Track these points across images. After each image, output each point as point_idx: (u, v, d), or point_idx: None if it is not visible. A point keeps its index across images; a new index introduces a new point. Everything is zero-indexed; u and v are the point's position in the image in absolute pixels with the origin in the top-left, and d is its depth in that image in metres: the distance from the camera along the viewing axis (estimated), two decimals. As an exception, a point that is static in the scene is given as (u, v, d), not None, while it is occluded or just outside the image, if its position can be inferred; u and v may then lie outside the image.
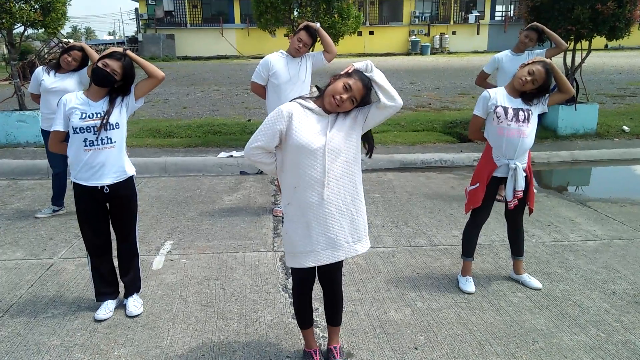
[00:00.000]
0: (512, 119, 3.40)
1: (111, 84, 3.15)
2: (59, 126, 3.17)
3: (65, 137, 3.21)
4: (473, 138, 3.81)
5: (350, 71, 2.49)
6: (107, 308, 3.36)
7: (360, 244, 2.61)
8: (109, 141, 3.16)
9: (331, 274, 2.73)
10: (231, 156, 7.28)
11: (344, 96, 2.45)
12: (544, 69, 3.36)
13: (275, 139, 2.49)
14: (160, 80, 3.41)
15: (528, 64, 3.41)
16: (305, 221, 2.53)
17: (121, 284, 3.49)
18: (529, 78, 3.36)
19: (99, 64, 3.10)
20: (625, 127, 9.00)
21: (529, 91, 3.42)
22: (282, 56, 4.97)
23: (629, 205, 5.54)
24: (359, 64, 2.50)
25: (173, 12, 37.21)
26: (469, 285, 3.68)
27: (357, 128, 2.57)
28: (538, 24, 5.63)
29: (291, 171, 2.53)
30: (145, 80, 3.36)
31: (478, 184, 3.54)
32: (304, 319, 2.83)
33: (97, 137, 3.11)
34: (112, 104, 3.18)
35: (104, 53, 3.21)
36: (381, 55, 36.59)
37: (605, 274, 3.90)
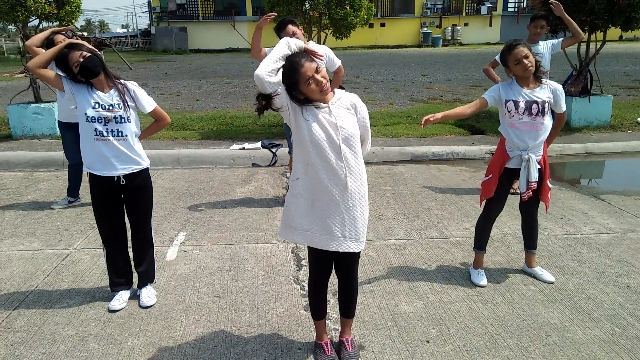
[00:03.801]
0: (523, 112, 3.37)
1: (101, 68, 3.13)
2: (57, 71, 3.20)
3: (54, 77, 3.16)
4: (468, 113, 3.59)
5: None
6: (121, 299, 3.40)
7: (356, 242, 2.60)
8: (120, 134, 3.17)
9: (348, 265, 2.75)
10: (243, 148, 7.30)
11: (319, 78, 2.43)
12: (525, 47, 3.34)
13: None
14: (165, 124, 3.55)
15: (529, 48, 3.38)
16: (311, 200, 2.56)
17: (135, 275, 3.53)
18: (527, 63, 3.33)
19: (80, 59, 3.05)
20: (639, 119, 8.87)
21: (533, 71, 3.39)
22: None
23: (644, 199, 5.48)
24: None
25: (185, 5, 37.29)
26: (481, 278, 3.67)
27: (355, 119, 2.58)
28: (559, 9, 5.42)
29: (305, 150, 2.53)
30: (155, 123, 3.52)
31: (491, 176, 3.52)
32: (318, 309, 2.85)
33: (107, 129, 3.13)
34: (121, 97, 3.18)
35: (61, 48, 3.11)
36: (392, 47, 36.38)
37: (619, 268, 3.86)
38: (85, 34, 32.50)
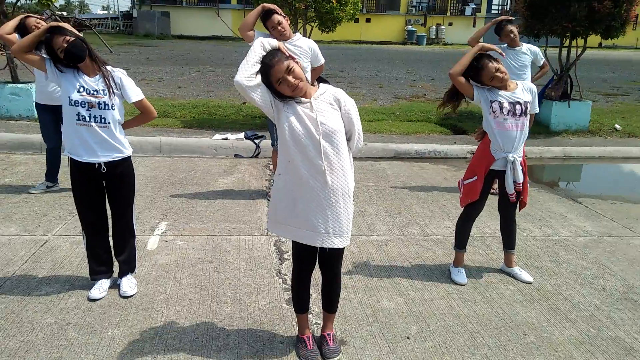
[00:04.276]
0: (508, 113, 3.43)
1: (85, 53, 3.06)
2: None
3: (39, 60, 3.10)
4: (453, 76, 3.52)
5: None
6: (101, 287, 3.35)
7: (340, 238, 2.60)
8: (103, 121, 3.12)
9: (333, 260, 2.75)
10: (226, 139, 7.24)
11: (290, 79, 2.43)
12: (490, 60, 3.41)
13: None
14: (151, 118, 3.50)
15: (496, 60, 3.43)
16: (293, 197, 2.56)
17: (115, 264, 3.49)
18: (500, 75, 3.39)
19: (65, 45, 2.98)
20: (617, 126, 9.09)
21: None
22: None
23: (619, 203, 5.62)
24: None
25: (169, -11, 36.65)
26: (461, 276, 3.72)
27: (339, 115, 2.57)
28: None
29: (285, 147, 2.53)
30: (140, 116, 3.46)
31: (476, 177, 3.56)
32: (301, 303, 2.85)
33: (90, 114, 3.08)
34: (107, 84, 3.13)
35: (43, 31, 3.04)
36: (377, 43, 36.42)
37: (595, 270, 3.96)
38: (64, 13, 31.72)
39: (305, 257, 2.75)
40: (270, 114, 2.57)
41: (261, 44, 2.46)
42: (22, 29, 4.52)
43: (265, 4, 4.82)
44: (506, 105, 3.43)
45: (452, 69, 3.46)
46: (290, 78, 2.43)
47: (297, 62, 2.50)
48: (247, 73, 2.42)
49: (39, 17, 4.69)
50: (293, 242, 2.72)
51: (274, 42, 2.50)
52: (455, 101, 3.61)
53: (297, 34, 5.06)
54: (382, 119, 9.13)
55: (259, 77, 2.46)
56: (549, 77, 8.78)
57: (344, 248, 2.71)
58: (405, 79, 15.10)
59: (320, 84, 2.62)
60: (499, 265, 3.96)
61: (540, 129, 8.43)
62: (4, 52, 8.84)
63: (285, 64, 2.43)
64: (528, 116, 3.51)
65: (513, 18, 5.62)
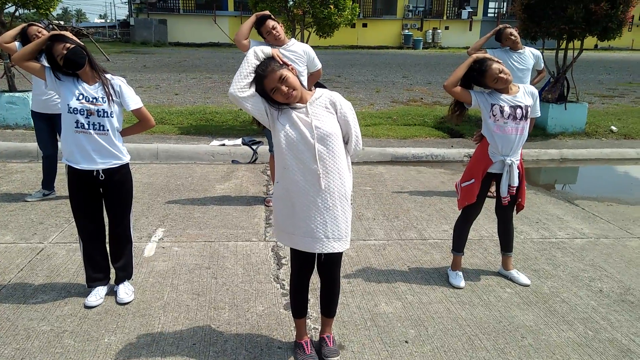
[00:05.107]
0: (508, 117, 3.42)
1: (85, 60, 3.07)
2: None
3: (39, 68, 3.12)
4: (448, 88, 3.50)
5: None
6: (98, 294, 3.34)
7: (339, 242, 2.60)
8: (101, 128, 3.13)
9: (331, 265, 2.75)
10: (223, 145, 7.25)
11: (284, 88, 2.44)
12: (493, 62, 3.40)
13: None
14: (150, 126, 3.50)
15: (498, 62, 3.43)
16: (291, 204, 2.57)
17: (112, 270, 3.48)
18: (504, 76, 3.39)
19: (64, 52, 3.00)
20: (613, 127, 9.11)
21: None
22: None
23: (616, 205, 5.63)
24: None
25: (165, -3, 36.80)
26: (458, 279, 3.72)
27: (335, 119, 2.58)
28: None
29: (281, 153, 2.54)
30: (138, 124, 3.45)
31: (473, 180, 3.56)
32: (299, 308, 2.85)
33: (88, 122, 3.09)
34: (106, 92, 3.14)
35: (44, 40, 3.06)
36: (374, 47, 36.54)
37: (592, 272, 3.96)
38: (62, 22, 31.80)
39: (304, 262, 2.74)
40: (265, 123, 2.57)
41: (254, 54, 2.47)
42: (24, 37, 4.56)
43: (258, 13, 4.84)
44: (507, 109, 3.43)
45: (447, 81, 3.47)
46: (283, 87, 2.43)
47: (292, 69, 2.50)
48: (240, 85, 2.44)
49: (40, 25, 4.70)
50: (291, 247, 2.71)
51: (267, 50, 2.51)
52: (461, 110, 3.62)
53: (293, 39, 5.08)
54: (380, 123, 9.14)
55: (253, 87, 2.47)
56: (546, 80, 8.81)
57: (342, 252, 2.70)
58: (402, 83, 15.14)
59: (317, 89, 2.62)
60: (497, 268, 3.96)
61: (536, 131, 8.45)
62: (1, 61, 8.85)
63: (279, 73, 2.43)
64: (528, 120, 3.51)
65: (510, 26, 5.66)
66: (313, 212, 2.54)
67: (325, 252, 2.59)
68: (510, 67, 5.23)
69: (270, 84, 2.44)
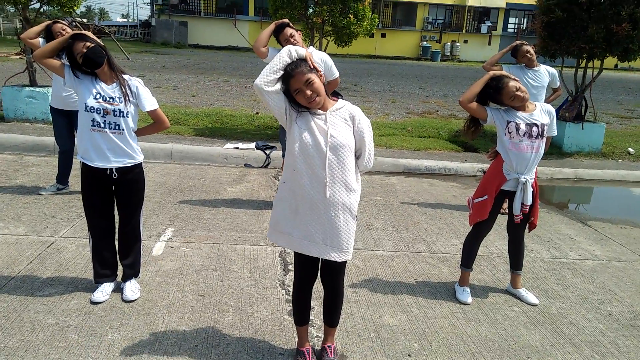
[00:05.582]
0: (524, 135, 3.40)
1: (103, 59, 3.12)
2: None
3: (59, 66, 3.16)
4: (463, 104, 3.49)
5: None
6: (104, 291, 3.37)
7: (338, 252, 2.59)
8: (117, 127, 3.17)
9: (334, 273, 2.74)
10: (237, 148, 7.28)
11: (308, 92, 2.45)
12: (510, 80, 3.39)
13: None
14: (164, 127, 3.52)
15: (515, 80, 3.41)
16: (295, 206, 2.57)
17: (120, 267, 3.50)
18: (520, 94, 3.37)
19: (84, 50, 3.04)
20: (630, 149, 9.00)
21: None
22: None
23: (630, 228, 5.54)
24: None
25: (187, 0, 37.21)
26: (466, 295, 3.69)
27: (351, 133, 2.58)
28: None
29: (292, 155, 2.54)
30: (153, 125, 3.47)
31: (486, 197, 3.53)
32: (301, 315, 2.84)
33: (104, 121, 3.12)
34: (123, 92, 3.18)
35: (66, 38, 3.10)
36: (392, 58, 36.55)
37: (601, 295, 3.90)
38: (85, 20, 32.28)
39: (305, 267, 2.74)
40: (283, 122, 2.59)
41: (289, 52, 2.48)
42: (48, 34, 4.64)
43: (277, 21, 4.88)
44: (522, 126, 3.40)
45: (462, 96, 3.46)
46: (307, 91, 2.45)
47: (320, 76, 2.52)
48: (268, 78, 2.45)
49: (64, 23, 4.78)
50: (295, 252, 2.71)
51: (302, 52, 2.52)
52: (476, 126, 3.60)
53: (311, 47, 5.10)
54: (394, 133, 9.13)
55: (279, 84, 2.49)
56: (564, 98, 8.74)
57: (344, 262, 2.69)
58: (418, 95, 15.11)
59: (339, 100, 2.63)
60: (505, 285, 3.92)
61: (552, 149, 8.37)
62: (24, 56, 8.99)
63: (307, 76, 2.44)
64: (544, 138, 3.48)
65: (527, 43, 5.62)
66: (314, 217, 2.54)
67: (323, 257, 2.59)
68: (525, 84, 5.19)
69: (295, 84, 2.46)
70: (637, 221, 5.82)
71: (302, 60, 2.50)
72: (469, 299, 3.66)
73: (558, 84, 5.75)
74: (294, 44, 4.75)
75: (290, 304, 3.41)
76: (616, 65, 33.48)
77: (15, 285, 3.43)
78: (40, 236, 4.24)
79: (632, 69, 35.52)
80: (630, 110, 14.57)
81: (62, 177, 5.33)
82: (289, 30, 4.78)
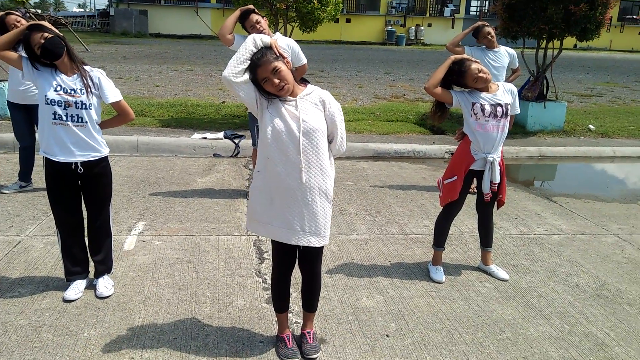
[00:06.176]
0: (489, 115, 3.47)
1: (63, 50, 3.02)
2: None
3: (17, 58, 3.05)
4: (429, 90, 3.52)
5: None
6: (77, 288, 3.30)
7: (317, 237, 2.61)
8: (80, 120, 3.08)
9: (312, 259, 2.76)
10: (205, 138, 7.19)
11: (276, 80, 2.45)
12: (472, 62, 3.44)
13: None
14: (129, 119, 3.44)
15: (475, 61, 3.47)
16: (270, 195, 2.57)
17: (91, 264, 3.43)
18: (483, 75, 3.43)
19: (42, 41, 2.94)
20: (591, 126, 9.29)
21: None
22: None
23: (593, 202, 5.74)
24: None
25: (147, -13, 36.20)
26: (439, 274, 3.76)
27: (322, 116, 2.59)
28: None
29: (265, 144, 2.53)
30: (117, 117, 3.38)
31: (456, 177, 3.59)
32: (280, 302, 2.85)
33: (66, 114, 3.03)
34: (84, 83, 3.08)
35: (22, 29, 3.00)
36: (357, 43, 36.54)
37: (569, 267, 4.04)
38: (39, 11, 31.11)
39: (284, 255, 2.75)
40: (254, 111, 2.58)
41: (253, 41, 2.46)
42: (1, 26, 4.44)
43: (242, 7, 4.81)
44: (487, 107, 3.47)
45: (427, 82, 3.50)
46: (275, 79, 2.44)
47: (287, 63, 2.50)
48: (236, 70, 2.44)
49: (18, 14, 4.60)
50: (272, 241, 2.72)
51: (267, 40, 2.50)
52: (442, 110, 3.64)
53: (277, 33, 5.05)
54: (362, 118, 9.17)
55: (247, 74, 2.47)
56: (526, 78, 8.93)
57: (322, 247, 2.71)
58: (384, 79, 15.18)
59: (308, 85, 2.63)
60: (476, 263, 4.02)
61: (516, 129, 8.56)
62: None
63: (273, 65, 2.43)
64: (509, 117, 3.56)
65: (488, 24, 5.69)
66: (292, 204, 2.55)
67: (302, 244, 2.60)
68: (486, 65, 5.27)
69: (262, 73, 2.44)
70: (600, 195, 6.04)
71: (268, 49, 2.48)
72: (443, 278, 3.74)
73: (517, 64, 5.86)
74: (260, 31, 4.70)
75: (268, 292, 3.42)
76: (575, 45, 34.31)
77: (-18, 287, 3.33)
78: (5, 236, 4.11)
79: (590, 48, 36.49)
80: (590, 89, 15.00)
81: (25, 174, 5.17)
82: (254, 17, 4.72)
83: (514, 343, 3.01)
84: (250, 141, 5.53)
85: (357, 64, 19.94)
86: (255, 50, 2.46)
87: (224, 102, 9.94)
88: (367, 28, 38.42)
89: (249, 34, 4.72)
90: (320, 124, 2.53)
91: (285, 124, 2.48)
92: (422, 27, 38.51)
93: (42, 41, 2.94)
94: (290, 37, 6.99)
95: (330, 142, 2.63)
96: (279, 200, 2.56)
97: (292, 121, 2.48)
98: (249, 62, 2.45)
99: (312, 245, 2.61)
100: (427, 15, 39.53)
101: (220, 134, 7.34)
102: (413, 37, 38.20)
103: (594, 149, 8.10)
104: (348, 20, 37.89)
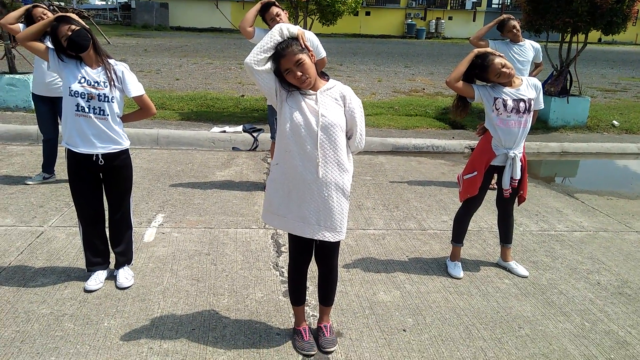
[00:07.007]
0: (511, 111, 3.41)
1: (89, 43, 3.06)
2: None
3: (43, 49, 3.11)
4: (450, 84, 3.48)
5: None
6: (98, 279, 3.36)
7: (332, 232, 2.60)
8: (102, 112, 3.12)
9: (328, 253, 2.76)
10: (224, 131, 7.23)
11: (298, 73, 2.43)
12: (495, 57, 3.39)
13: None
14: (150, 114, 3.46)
15: (499, 55, 3.41)
16: (288, 188, 2.57)
17: (112, 255, 3.49)
18: (506, 70, 3.38)
19: (69, 33, 2.98)
20: (615, 122, 9.09)
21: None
22: None
23: (615, 199, 5.63)
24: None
25: (167, -19, 36.43)
26: (457, 270, 3.74)
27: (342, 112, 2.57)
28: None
29: (284, 136, 2.53)
30: (139, 111, 3.41)
31: (476, 173, 3.55)
32: (297, 295, 2.86)
33: (89, 106, 3.08)
34: (108, 76, 3.12)
35: (50, 20, 3.05)
36: (376, 37, 36.32)
37: (590, 265, 3.98)
38: (63, 3, 31.54)
39: (300, 248, 2.75)
40: (273, 102, 2.57)
41: (280, 30, 2.44)
42: (28, 19, 4.53)
43: (263, 0, 4.81)
44: (510, 102, 3.41)
45: (449, 77, 3.45)
46: (298, 72, 2.42)
47: (312, 56, 2.49)
48: (259, 57, 2.42)
49: (44, 7, 4.67)
50: (289, 234, 2.72)
51: (293, 30, 2.48)
52: (464, 105, 3.61)
53: (297, 26, 5.03)
54: (381, 113, 9.12)
55: (269, 64, 2.46)
56: (549, 73, 8.78)
57: (338, 242, 2.71)
58: (404, 73, 15.07)
59: (330, 79, 2.61)
60: (496, 259, 3.98)
61: (538, 124, 8.42)
62: (1, 42, 8.79)
63: (297, 57, 2.41)
64: (531, 113, 3.49)
65: (513, 17, 5.59)
66: (308, 198, 2.55)
67: (317, 238, 2.60)
68: (510, 59, 5.21)
69: (286, 64, 2.43)
70: (622, 192, 5.92)
71: (294, 39, 2.46)
72: (461, 274, 3.71)
73: (541, 59, 5.76)
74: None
75: (285, 285, 3.43)
76: (600, 39, 33.63)
77: (6, 276, 3.40)
78: (29, 226, 4.20)
79: (615, 42, 35.71)
80: (614, 84, 14.69)
81: (48, 165, 5.26)
82: (274, 9, 4.73)
83: (532, 340, 2.98)
84: (269, 135, 5.55)
85: (376, 58, 19.83)
86: (280, 40, 2.44)
87: (243, 95, 9.98)
88: (387, 21, 38.17)
89: (269, 26, 4.73)
90: (339, 119, 2.52)
91: (304, 118, 2.48)
92: (442, 20, 38.14)
93: (69, 33, 2.99)
94: (310, 30, 6.98)
95: (349, 138, 2.62)
96: (295, 193, 2.56)
97: (311, 115, 2.48)
98: (273, 51, 2.44)
99: (327, 239, 2.61)
100: (448, 8, 39.11)
101: (239, 128, 7.38)
102: (433, 30, 37.85)
103: (617, 145, 7.93)
104: (368, 13, 37.68)
